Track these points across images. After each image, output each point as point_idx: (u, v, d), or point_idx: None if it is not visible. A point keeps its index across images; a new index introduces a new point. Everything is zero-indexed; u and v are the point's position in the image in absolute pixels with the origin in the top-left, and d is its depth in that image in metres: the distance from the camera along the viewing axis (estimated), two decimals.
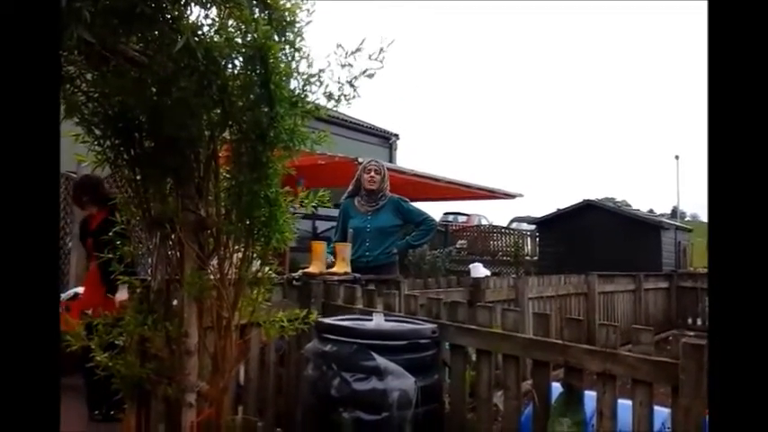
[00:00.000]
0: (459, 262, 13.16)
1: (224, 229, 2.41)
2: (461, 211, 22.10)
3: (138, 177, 2.49)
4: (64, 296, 5.55)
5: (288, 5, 2.17)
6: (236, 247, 2.53)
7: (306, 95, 2.32)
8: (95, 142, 2.43)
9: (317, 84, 2.30)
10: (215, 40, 2.08)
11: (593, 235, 11.89)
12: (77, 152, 2.61)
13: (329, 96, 2.33)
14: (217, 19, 2.15)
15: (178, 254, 2.50)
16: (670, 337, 7.95)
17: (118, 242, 2.65)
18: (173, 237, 2.47)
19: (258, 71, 2.13)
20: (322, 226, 11.51)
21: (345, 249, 4.27)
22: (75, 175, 6.49)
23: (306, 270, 3.95)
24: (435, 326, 2.92)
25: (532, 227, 15.90)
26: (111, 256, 2.65)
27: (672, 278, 9.46)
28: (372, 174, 4.82)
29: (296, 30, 2.22)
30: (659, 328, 7.83)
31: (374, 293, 3.47)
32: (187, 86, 2.11)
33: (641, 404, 2.40)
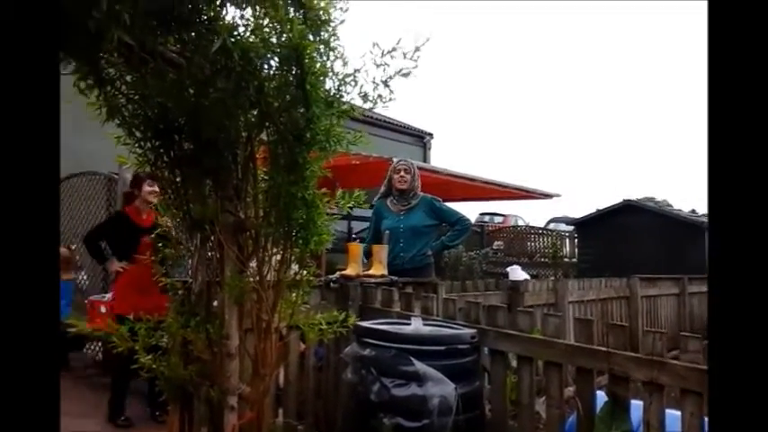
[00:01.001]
0: (495, 263, 13.00)
1: (263, 231, 2.40)
2: (497, 212, 21.86)
3: (178, 179, 2.50)
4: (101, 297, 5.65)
5: (322, 4, 2.15)
6: (275, 250, 2.52)
7: (341, 96, 2.29)
8: (136, 144, 2.44)
9: (353, 84, 2.27)
10: (251, 40, 2.07)
11: (633, 236, 11.59)
12: (120, 154, 2.64)
13: (364, 97, 2.29)
14: (252, 19, 2.14)
15: (218, 256, 2.50)
16: None
17: (159, 244, 2.67)
18: (212, 239, 2.47)
19: (294, 71, 2.11)
20: (357, 227, 11.50)
21: (382, 251, 4.23)
22: (117, 176, 6.61)
23: (343, 272, 3.93)
24: (475, 331, 2.85)
25: (570, 228, 15.63)
26: (152, 258, 2.67)
27: None
28: (402, 173, 4.77)
29: (330, 29, 2.19)
30: (705, 334, 7.58)
31: (412, 297, 3.42)
32: (224, 87, 2.10)
33: (692, 415, 2.30)
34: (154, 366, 2.51)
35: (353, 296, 3.51)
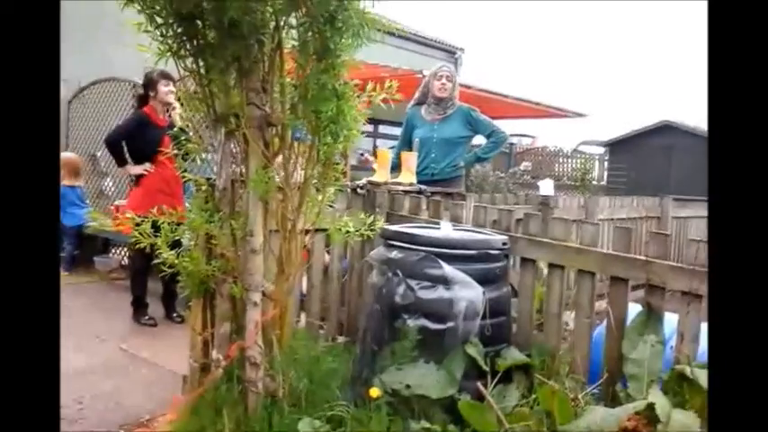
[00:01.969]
0: (523, 185, 12.82)
1: (290, 124, 2.29)
2: (527, 133, 21.40)
3: (202, 69, 2.38)
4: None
5: None
6: (302, 148, 2.42)
7: None
8: (157, 30, 2.31)
9: None
10: None
11: (669, 157, 11.28)
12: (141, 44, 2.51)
13: None
14: None
15: (243, 152, 2.41)
16: None
17: (182, 138, 2.58)
18: (237, 134, 2.38)
19: None
20: (382, 145, 11.34)
21: (411, 159, 4.12)
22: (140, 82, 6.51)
23: (370, 179, 3.84)
24: (506, 237, 2.77)
25: (602, 150, 15.25)
26: (177, 152, 2.59)
27: None
28: (444, 81, 4.59)
29: None
30: None
31: (440, 204, 3.33)
32: None
33: None
34: (176, 261, 2.48)
35: (380, 203, 3.44)
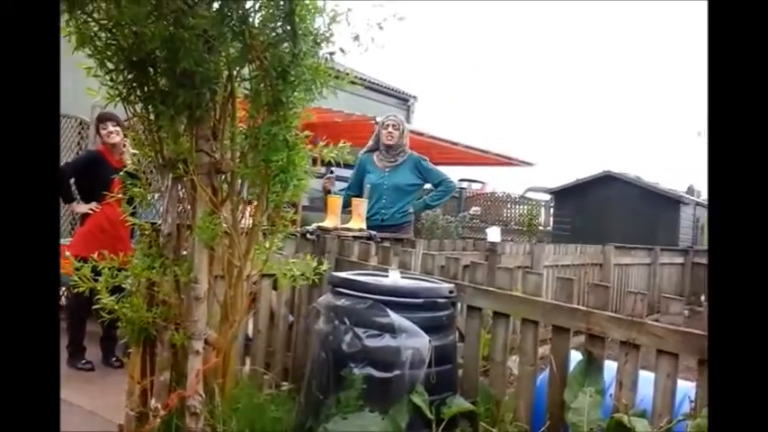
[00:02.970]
0: (472, 229, 13.04)
1: (239, 172, 2.30)
2: (476, 179, 21.88)
3: (152, 115, 2.38)
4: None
5: None
6: (251, 192, 2.43)
7: (331, 34, 2.19)
8: (107, 76, 2.31)
9: (346, 23, 2.16)
10: None
11: (610, 206, 11.68)
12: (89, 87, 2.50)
13: (356, 38, 2.18)
14: None
15: (190, 197, 2.40)
16: (684, 312, 7.84)
17: (129, 183, 2.56)
18: (185, 179, 2.37)
19: (282, 3, 1.99)
20: (335, 186, 11.38)
21: (361, 205, 4.16)
22: (88, 120, 6.40)
23: (320, 224, 3.85)
24: (453, 285, 2.81)
25: (548, 197, 15.69)
26: (121, 196, 2.56)
27: (688, 254, 9.30)
28: (391, 129, 4.69)
29: None
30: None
31: (390, 251, 3.37)
32: (206, 16, 1.98)
33: (667, 376, 2.30)
34: (116, 308, 2.43)
35: (330, 248, 3.45)
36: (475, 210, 16.47)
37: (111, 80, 2.34)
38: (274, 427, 2.50)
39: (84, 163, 4.51)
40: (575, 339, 2.73)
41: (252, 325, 3.36)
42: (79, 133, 6.89)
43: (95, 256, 2.49)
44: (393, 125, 4.71)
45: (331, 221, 3.89)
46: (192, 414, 2.28)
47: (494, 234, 5.48)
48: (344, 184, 4.98)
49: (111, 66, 2.31)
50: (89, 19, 2.22)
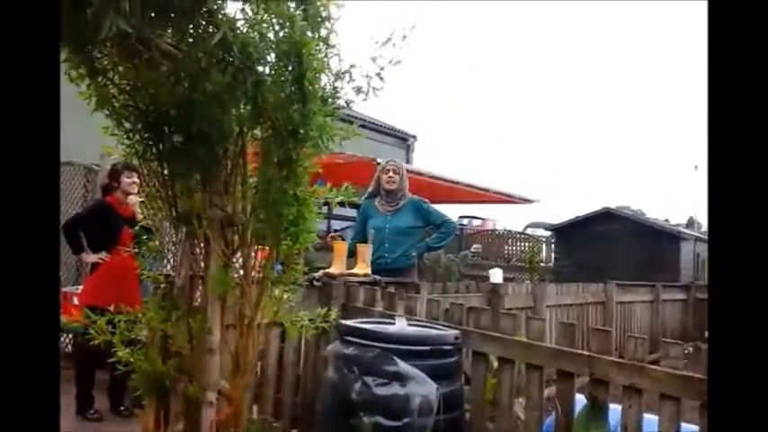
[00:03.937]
0: (473, 266, 13.10)
1: (251, 226, 2.39)
2: (476, 215, 21.99)
3: (166, 172, 2.48)
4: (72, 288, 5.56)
5: (323, 0, 2.15)
6: (261, 245, 2.51)
7: (336, 91, 2.30)
8: (125, 135, 2.41)
9: (348, 79, 2.28)
10: (250, 35, 2.06)
11: (610, 243, 11.77)
12: (104, 144, 2.60)
13: (358, 90, 2.31)
14: (251, 14, 2.13)
15: (203, 250, 2.48)
16: (687, 350, 7.84)
17: (144, 237, 2.64)
18: (198, 233, 2.45)
19: (292, 68, 2.10)
20: (337, 225, 11.49)
21: (366, 250, 4.23)
22: (98, 168, 6.51)
23: (326, 270, 3.92)
24: (458, 332, 2.87)
25: (548, 233, 15.79)
26: (135, 250, 2.64)
27: (689, 290, 9.33)
28: (391, 174, 4.80)
29: (329, 25, 2.20)
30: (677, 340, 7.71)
31: (395, 297, 3.43)
32: (220, 81, 2.08)
33: (669, 420, 2.35)
34: (131, 360, 2.48)
35: (336, 295, 3.51)
36: (476, 247, 16.55)
37: (128, 138, 2.44)
38: None
39: (93, 213, 4.60)
40: (579, 379, 2.77)
41: (259, 371, 3.40)
42: (86, 181, 6.99)
43: (111, 308, 2.55)
44: (393, 170, 4.83)
45: (337, 267, 3.96)
46: None
47: (496, 276, 5.55)
48: (345, 223, 5.07)
49: (128, 125, 2.41)
50: (109, 83, 2.33)
